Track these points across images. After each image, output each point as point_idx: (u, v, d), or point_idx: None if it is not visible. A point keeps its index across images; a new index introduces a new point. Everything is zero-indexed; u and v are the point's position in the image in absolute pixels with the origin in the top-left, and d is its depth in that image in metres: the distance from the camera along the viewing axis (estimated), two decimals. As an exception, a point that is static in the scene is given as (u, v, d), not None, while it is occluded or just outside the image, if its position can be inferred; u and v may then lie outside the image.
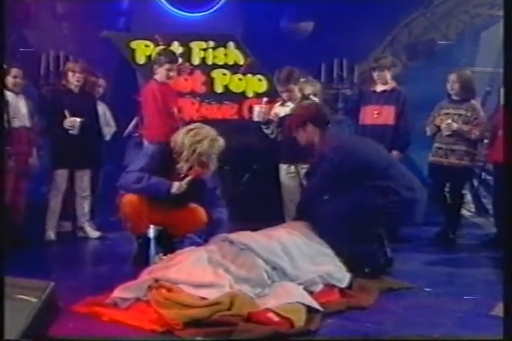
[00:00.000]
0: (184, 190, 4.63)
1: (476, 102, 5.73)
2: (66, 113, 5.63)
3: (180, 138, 4.66)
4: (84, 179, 5.94)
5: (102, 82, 6.38)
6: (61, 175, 5.78)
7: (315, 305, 3.52)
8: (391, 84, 5.89)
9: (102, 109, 6.43)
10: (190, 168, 4.66)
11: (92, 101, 6.07)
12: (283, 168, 5.68)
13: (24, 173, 5.49)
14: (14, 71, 5.29)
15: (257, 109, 5.67)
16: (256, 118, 5.67)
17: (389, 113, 5.78)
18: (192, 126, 4.81)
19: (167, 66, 5.56)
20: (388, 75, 5.88)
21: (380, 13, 7.89)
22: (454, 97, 5.70)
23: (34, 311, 2.66)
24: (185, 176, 4.66)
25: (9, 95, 5.23)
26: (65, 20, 8.21)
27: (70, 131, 5.62)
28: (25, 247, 5.16)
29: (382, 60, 6.02)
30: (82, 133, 5.67)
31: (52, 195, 5.80)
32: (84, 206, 5.98)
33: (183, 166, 4.65)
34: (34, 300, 2.70)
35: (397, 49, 8.74)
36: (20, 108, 5.39)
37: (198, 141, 4.60)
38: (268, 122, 5.66)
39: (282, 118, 5.60)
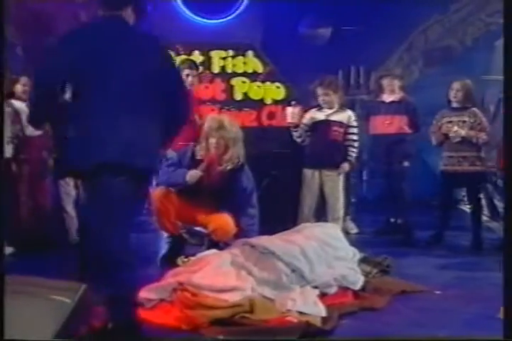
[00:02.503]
0: (198, 178, 4.73)
1: (475, 109, 5.74)
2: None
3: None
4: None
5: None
6: (67, 182, 5.76)
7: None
8: (399, 94, 6.05)
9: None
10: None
11: None
12: (307, 173, 5.64)
13: (42, 178, 5.61)
14: (23, 79, 5.36)
15: (289, 109, 5.55)
16: (289, 119, 5.55)
17: (402, 122, 5.96)
18: None
19: (186, 72, 5.72)
20: (397, 85, 6.03)
21: (397, 19, 8.03)
22: (455, 105, 5.72)
23: (68, 312, 2.75)
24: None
25: (19, 103, 5.30)
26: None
27: None
28: (52, 249, 5.24)
29: (393, 70, 6.25)
30: None
31: (65, 202, 5.79)
32: None
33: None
34: (68, 300, 2.80)
35: (414, 55, 8.86)
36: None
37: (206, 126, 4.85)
38: (297, 125, 5.56)
39: (317, 123, 5.60)
